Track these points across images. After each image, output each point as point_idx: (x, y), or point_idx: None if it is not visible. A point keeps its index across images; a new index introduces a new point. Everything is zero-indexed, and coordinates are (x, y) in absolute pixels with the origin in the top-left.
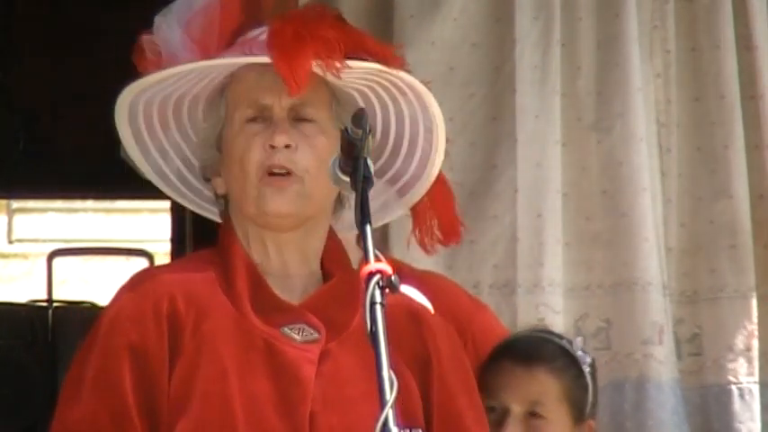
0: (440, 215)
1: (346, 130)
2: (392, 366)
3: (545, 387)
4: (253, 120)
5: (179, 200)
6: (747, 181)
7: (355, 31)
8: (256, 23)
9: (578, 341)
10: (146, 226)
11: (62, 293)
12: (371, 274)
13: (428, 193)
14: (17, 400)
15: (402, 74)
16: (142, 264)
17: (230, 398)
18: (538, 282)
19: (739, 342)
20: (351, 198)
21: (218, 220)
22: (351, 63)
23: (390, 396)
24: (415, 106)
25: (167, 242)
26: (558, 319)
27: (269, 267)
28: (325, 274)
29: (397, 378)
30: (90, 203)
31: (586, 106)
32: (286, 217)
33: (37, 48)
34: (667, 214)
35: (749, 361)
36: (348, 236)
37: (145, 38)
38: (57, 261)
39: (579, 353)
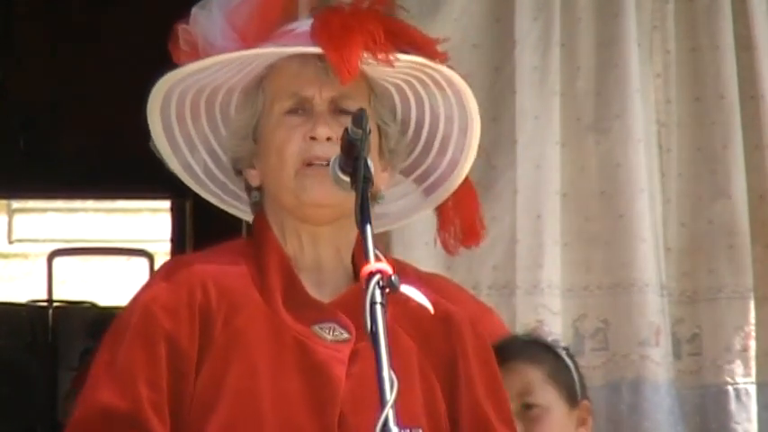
0: (462, 216)
1: (347, 130)
2: (414, 368)
3: (527, 376)
4: (293, 111)
5: (204, 194)
6: (746, 181)
7: (402, 23)
8: (294, 17)
9: (544, 330)
10: (146, 226)
11: (62, 293)
12: (371, 274)
13: (453, 194)
14: (17, 400)
15: (443, 68)
16: (142, 264)
17: (261, 396)
18: (537, 283)
19: (737, 343)
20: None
21: (242, 216)
22: (399, 56)
23: (390, 396)
24: (452, 103)
25: (167, 242)
26: (556, 320)
27: (302, 262)
28: (356, 271)
29: (423, 380)
30: (90, 203)
31: (585, 107)
32: (325, 207)
33: (37, 48)
34: (667, 214)
35: (746, 362)
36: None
37: (181, 28)
38: (57, 261)
39: (550, 339)
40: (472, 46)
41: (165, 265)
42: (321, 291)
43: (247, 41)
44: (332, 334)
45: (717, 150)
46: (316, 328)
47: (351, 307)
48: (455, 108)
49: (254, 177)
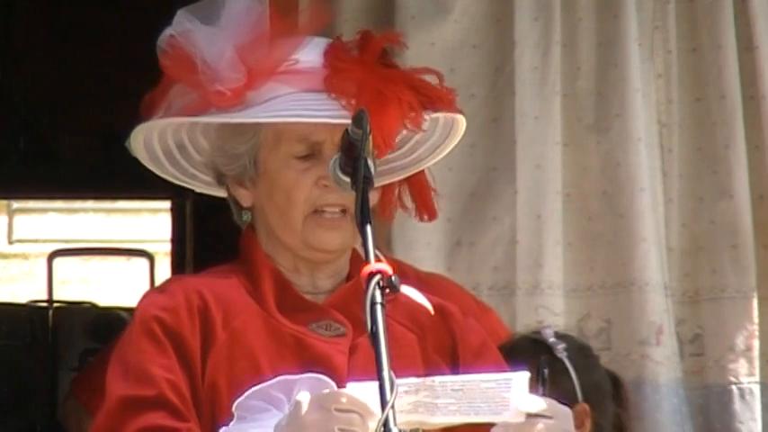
0: (418, 195)
1: (347, 130)
2: (417, 357)
3: None
4: (303, 156)
5: (162, 174)
6: (748, 181)
7: (422, 81)
8: (294, 39)
9: (548, 331)
10: (146, 226)
11: (62, 294)
12: (372, 275)
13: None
14: (17, 400)
15: (457, 116)
16: (142, 264)
17: None
18: (537, 283)
19: (740, 342)
20: None
21: (198, 189)
22: (429, 116)
23: (391, 396)
24: (436, 131)
25: (168, 242)
26: (557, 321)
27: (299, 284)
28: (351, 270)
29: (426, 366)
30: (90, 204)
31: (586, 107)
32: (334, 252)
33: (37, 48)
34: (669, 214)
35: (750, 361)
36: None
37: (168, 40)
38: (57, 261)
39: (551, 340)
40: (472, 46)
41: (158, 284)
42: (316, 297)
43: (254, 78)
44: (329, 330)
45: (718, 150)
46: (312, 326)
47: (345, 305)
48: (435, 135)
49: (245, 198)
